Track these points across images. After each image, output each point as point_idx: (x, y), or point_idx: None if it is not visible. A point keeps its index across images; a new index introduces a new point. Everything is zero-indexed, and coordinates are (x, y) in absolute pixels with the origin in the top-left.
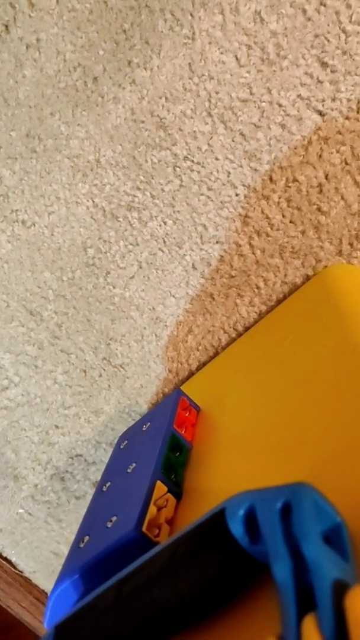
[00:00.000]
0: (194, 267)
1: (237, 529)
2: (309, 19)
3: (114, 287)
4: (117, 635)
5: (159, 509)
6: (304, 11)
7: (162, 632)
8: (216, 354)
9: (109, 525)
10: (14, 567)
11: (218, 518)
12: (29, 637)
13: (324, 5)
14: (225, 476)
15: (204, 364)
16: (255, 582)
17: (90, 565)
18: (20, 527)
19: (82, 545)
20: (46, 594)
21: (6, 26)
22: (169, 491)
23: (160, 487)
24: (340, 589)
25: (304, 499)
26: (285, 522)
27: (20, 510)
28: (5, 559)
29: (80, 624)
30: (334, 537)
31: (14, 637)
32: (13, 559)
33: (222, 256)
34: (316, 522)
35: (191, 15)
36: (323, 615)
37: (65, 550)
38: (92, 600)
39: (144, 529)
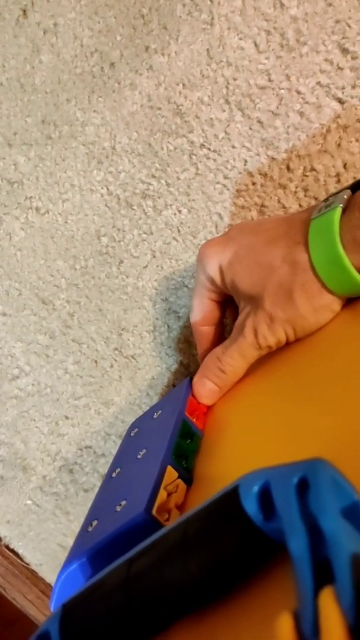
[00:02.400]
0: None
1: (251, 506)
2: (330, 5)
3: (127, 277)
4: (126, 614)
5: (169, 494)
6: None
7: (173, 611)
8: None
9: (118, 509)
10: (21, 559)
11: (231, 496)
12: (33, 630)
13: None
14: (236, 464)
15: None
16: (268, 561)
17: (99, 548)
18: (27, 519)
19: (90, 529)
20: (52, 587)
21: (24, 11)
22: (179, 477)
23: (171, 473)
24: (358, 563)
25: (321, 473)
26: (302, 498)
27: (28, 502)
28: (12, 550)
29: (87, 602)
30: (351, 516)
31: (18, 630)
32: (20, 551)
33: None
34: (334, 496)
35: (210, 0)
36: (342, 587)
37: (72, 543)
38: (100, 579)
39: (154, 512)
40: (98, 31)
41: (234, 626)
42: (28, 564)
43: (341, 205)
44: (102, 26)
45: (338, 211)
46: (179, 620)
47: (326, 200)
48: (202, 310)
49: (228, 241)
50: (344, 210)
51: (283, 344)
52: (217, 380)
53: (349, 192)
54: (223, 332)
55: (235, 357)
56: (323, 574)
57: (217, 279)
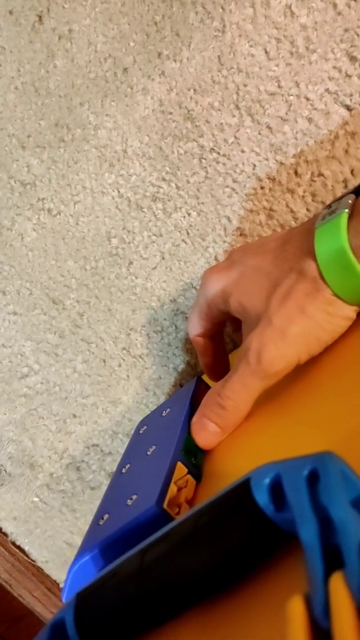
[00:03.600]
0: (216, 259)
1: (262, 497)
2: (339, 13)
3: (136, 278)
4: (139, 602)
5: (179, 489)
6: (335, 5)
7: (186, 598)
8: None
9: (129, 503)
10: (27, 556)
11: (243, 487)
12: (39, 627)
13: (355, 0)
14: (245, 460)
15: None
16: (279, 550)
17: (111, 540)
18: (34, 516)
19: (101, 522)
20: (58, 584)
21: (40, 17)
22: (189, 472)
23: (181, 468)
24: None
25: (330, 466)
26: (312, 490)
27: (35, 499)
28: (19, 547)
29: (101, 591)
30: (359, 507)
31: (24, 626)
32: (26, 548)
33: None
34: (343, 488)
35: (222, 8)
36: (351, 572)
37: (78, 540)
38: (113, 569)
39: (165, 505)
40: (112, 37)
41: (247, 610)
42: (34, 561)
43: (347, 210)
44: (116, 32)
45: (344, 216)
46: (192, 607)
47: (328, 207)
48: (200, 327)
49: (232, 265)
50: (350, 216)
51: (291, 369)
52: (218, 420)
53: (352, 196)
54: (223, 342)
55: (236, 390)
56: (333, 561)
57: (220, 303)
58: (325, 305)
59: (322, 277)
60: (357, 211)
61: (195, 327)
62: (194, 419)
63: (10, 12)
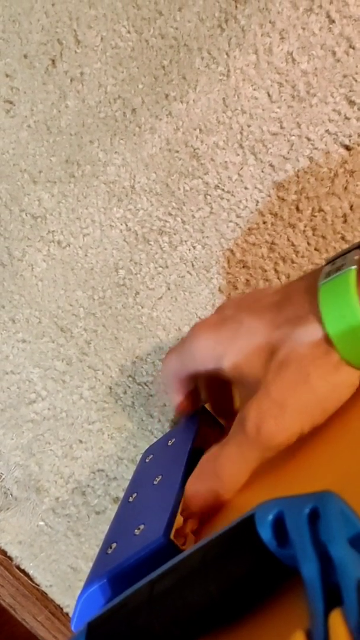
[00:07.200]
0: (220, 290)
1: (265, 533)
2: (338, 60)
3: (142, 307)
4: (149, 633)
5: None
6: (334, 53)
7: (193, 630)
8: None
9: (137, 532)
10: (32, 580)
11: (247, 523)
12: None
13: (353, 48)
14: (248, 491)
15: None
16: (282, 585)
17: (119, 570)
18: (39, 540)
19: (109, 551)
20: (62, 609)
21: (53, 60)
22: None
23: None
24: None
25: (330, 504)
26: (313, 527)
27: (41, 523)
28: (23, 571)
29: (112, 621)
30: (358, 545)
31: None
32: (31, 572)
33: (247, 280)
34: (342, 526)
35: (227, 54)
36: (349, 609)
37: (83, 565)
38: (123, 600)
39: (171, 536)
40: (122, 80)
41: None
42: (38, 585)
43: (354, 267)
44: (126, 75)
45: (353, 273)
46: (200, 638)
47: (332, 262)
48: (179, 379)
49: (224, 321)
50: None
51: (294, 440)
52: (213, 485)
53: (359, 251)
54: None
55: (233, 459)
56: (333, 597)
57: (209, 363)
58: (330, 374)
59: (328, 341)
60: None
61: (175, 373)
62: (189, 483)
63: (25, 56)
